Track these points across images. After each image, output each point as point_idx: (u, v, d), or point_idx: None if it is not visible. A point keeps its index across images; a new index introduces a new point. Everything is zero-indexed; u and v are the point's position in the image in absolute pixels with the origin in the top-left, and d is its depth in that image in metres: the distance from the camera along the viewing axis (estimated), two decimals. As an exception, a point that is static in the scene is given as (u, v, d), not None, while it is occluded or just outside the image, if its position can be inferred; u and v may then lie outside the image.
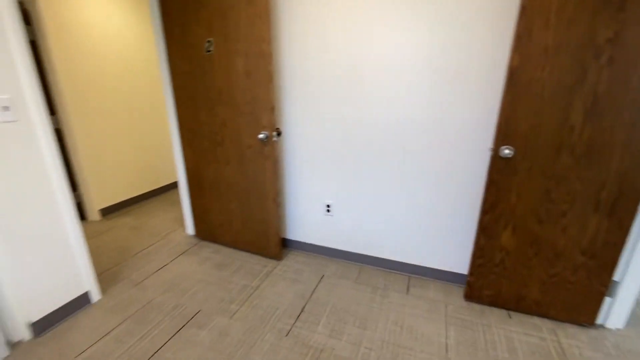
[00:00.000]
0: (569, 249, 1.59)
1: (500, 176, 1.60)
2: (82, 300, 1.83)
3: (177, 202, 3.42)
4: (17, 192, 1.47)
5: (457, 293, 1.97)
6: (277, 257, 2.31)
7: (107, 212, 3.10)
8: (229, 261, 2.30)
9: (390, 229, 2.10)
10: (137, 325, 1.70)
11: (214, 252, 2.42)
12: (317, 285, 2.03)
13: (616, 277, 1.62)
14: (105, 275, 2.14)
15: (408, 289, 2.00)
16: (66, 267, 1.72)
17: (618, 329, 1.68)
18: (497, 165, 1.59)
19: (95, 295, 1.89)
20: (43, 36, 2.46)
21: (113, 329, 1.68)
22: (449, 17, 1.61)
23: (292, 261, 2.31)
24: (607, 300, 1.66)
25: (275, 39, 2.00)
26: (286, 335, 1.63)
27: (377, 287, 2.03)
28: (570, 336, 1.63)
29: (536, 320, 1.75)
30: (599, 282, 1.60)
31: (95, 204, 2.98)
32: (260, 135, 1.98)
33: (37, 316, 1.61)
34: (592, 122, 1.39)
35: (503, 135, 1.53)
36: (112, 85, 2.99)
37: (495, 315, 1.78)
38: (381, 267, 2.22)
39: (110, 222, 2.95)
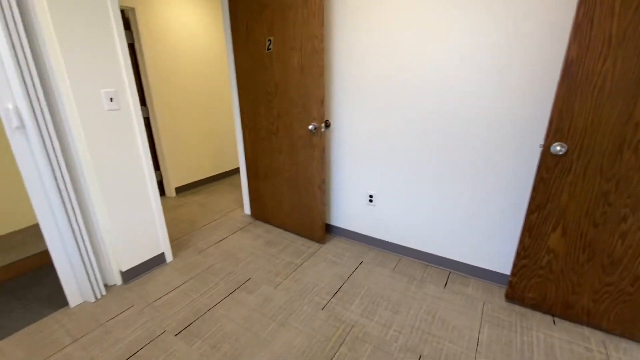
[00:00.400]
0: (628, 258, 1.46)
1: (550, 174, 1.53)
2: (159, 259, 2.21)
3: (238, 185, 3.80)
4: (117, 165, 1.86)
5: (498, 293, 1.92)
6: (321, 240, 2.48)
7: (180, 190, 3.59)
8: (277, 240, 2.54)
9: (431, 223, 2.11)
10: (199, 284, 2.02)
11: (265, 232, 2.68)
12: (355, 270, 2.15)
13: (689, 294, 1.44)
14: (177, 242, 2.54)
15: (446, 284, 2.01)
16: (149, 231, 2.11)
17: (689, 353, 1.50)
18: (548, 162, 1.52)
19: (169, 257, 2.27)
20: (138, 40, 2.95)
21: (181, 284, 2.02)
22: (496, 5, 1.56)
23: (334, 245, 2.46)
24: (676, 319, 1.49)
25: (328, 36, 2.13)
26: (322, 309, 1.79)
27: (414, 277, 2.07)
28: (622, 351, 1.50)
29: (585, 330, 1.64)
30: (666, 297, 1.44)
31: (172, 183, 3.48)
32: (310, 127, 2.15)
33: (126, 267, 2.02)
34: (662, 119, 1.26)
35: (555, 130, 1.46)
36: (187, 81, 3.44)
37: (537, 319, 1.71)
38: (420, 259, 2.24)
39: (183, 199, 3.42)
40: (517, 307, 1.80)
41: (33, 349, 1.54)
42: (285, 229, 2.69)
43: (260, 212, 2.82)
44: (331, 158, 2.42)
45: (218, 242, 2.53)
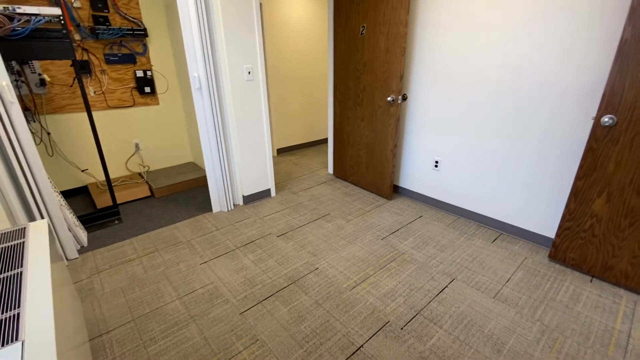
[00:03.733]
0: (670, 225, 1.59)
1: (599, 144, 1.71)
2: (266, 193, 3.03)
3: (325, 153, 4.49)
4: (249, 119, 2.67)
5: (542, 253, 2.14)
6: (388, 197, 2.96)
7: (280, 151, 4.46)
8: (353, 193, 3.12)
9: (491, 188, 2.40)
10: (293, 212, 2.75)
11: (343, 186, 3.29)
12: (414, 220, 2.60)
13: None
14: (277, 185, 3.35)
15: (494, 240, 2.31)
16: (262, 170, 2.91)
17: None
18: (597, 133, 1.70)
19: (273, 193, 3.08)
20: (264, 28, 3.77)
21: (280, 210, 2.78)
22: (572, -7, 1.75)
23: (399, 202, 2.92)
24: None
25: (411, 23, 2.52)
26: (381, 239, 2.32)
27: (466, 232, 2.41)
28: (655, 311, 1.65)
29: (621, 291, 1.80)
30: None
31: (275, 144, 4.36)
32: (389, 98, 2.61)
33: (247, 193, 2.87)
34: None
35: (607, 104, 1.64)
36: (294, 60, 4.18)
37: (575, 276, 1.92)
38: (476, 221, 2.55)
39: (281, 158, 4.28)
40: (558, 265, 2.02)
41: (195, 230, 2.48)
42: (360, 186, 3.25)
43: (341, 171, 3.43)
44: (405, 127, 2.85)
45: (307, 189, 3.24)
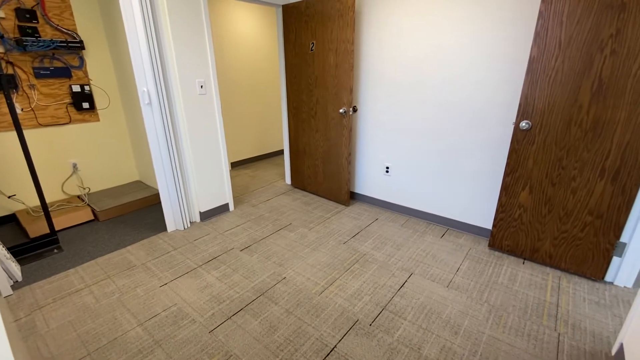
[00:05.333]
0: (577, 209, 1.92)
1: (520, 145, 2.02)
2: (224, 207, 2.97)
3: (280, 164, 4.52)
4: (202, 134, 2.62)
5: (483, 243, 2.42)
6: (346, 203, 3.10)
7: (234, 165, 4.39)
8: (312, 202, 3.20)
9: (436, 189, 2.65)
10: (254, 224, 2.73)
11: (302, 196, 3.36)
12: (371, 223, 2.75)
13: (625, 238, 1.87)
14: (235, 199, 3.29)
15: (443, 236, 2.54)
16: (219, 185, 2.86)
17: (626, 287, 1.92)
18: (518, 136, 2.01)
19: (231, 207, 3.02)
20: (214, 42, 3.73)
21: (241, 224, 2.75)
22: (491, 17, 2.07)
23: (356, 207, 3.07)
24: (617, 260, 1.92)
25: (358, 40, 2.73)
26: (343, 244, 2.42)
27: (418, 230, 2.63)
28: (573, 282, 1.97)
29: (547, 269, 2.11)
30: (606, 240, 1.89)
31: (229, 158, 4.28)
32: (341, 110, 2.77)
33: (204, 209, 2.79)
34: (597, 102, 1.72)
35: (523, 111, 1.95)
36: (245, 73, 4.20)
37: (510, 260, 2.21)
38: (426, 219, 2.79)
39: (236, 172, 4.21)
40: (496, 253, 2.30)
41: (150, 252, 2.34)
42: (318, 195, 3.35)
43: (299, 181, 3.50)
44: (357, 136, 3.03)
45: (266, 200, 3.24)
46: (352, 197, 3.28)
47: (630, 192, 1.75)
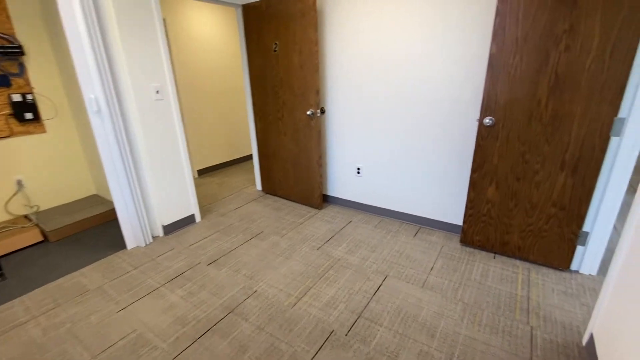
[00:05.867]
0: (542, 202, 1.97)
1: (485, 141, 2.04)
2: (190, 219, 2.81)
3: (250, 169, 4.39)
4: (161, 142, 2.45)
5: (455, 239, 2.44)
6: (319, 206, 3.03)
7: (201, 172, 4.20)
8: (284, 207, 3.11)
9: (407, 188, 2.64)
10: (223, 235, 2.60)
11: (274, 201, 3.25)
12: (344, 226, 2.70)
13: (587, 228, 1.93)
14: (202, 209, 3.13)
15: (416, 234, 2.53)
16: (183, 195, 2.70)
17: (591, 274, 1.99)
18: (482, 132, 2.03)
19: (198, 218, 2.86)
20: (171, 44, 3.54)
21: (209, 235, 2.60)
22: (457, 15, 2.08)
23: (329, 210, 3.01)
24: (581, 249, 1.98)
25: (322, 40, 2.67)
26: (317, 249, 2.35)
27: (391, 230, 2.60)
28: (542, 274, 2.01)
29: (517, 261, 2.14)
30: (570, 231, 1.94)
31: (195, 165, 4.09)
32: (308, 112, 2.70)
33: (167, 222, 2.62)
34: (554, 97, 1.76)
35: (486, 108, 1.97)
36: (209, 77, 4.03)
37: (482, 255, 2.23)
38: (398, 218, 2.77)
39: (203, 180, 4.03)
40: (468, 248, 2.31)
41: (106, 273, 2.15)
42: (290, 199, 3.26)
43: (270, 186, 3.39)
44: (326, 138, 2.97)
45: (236, 209, 3.11)
46: (325, 200, 3.22)
47: (590, 183, 1.80)
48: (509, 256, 2.20)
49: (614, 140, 1.73)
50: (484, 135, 2.03)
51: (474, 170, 2.13)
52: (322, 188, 3.13)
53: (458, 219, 2.48)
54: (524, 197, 2.02)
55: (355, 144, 2.80)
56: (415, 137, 2.46)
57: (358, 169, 2.86)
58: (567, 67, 1.70)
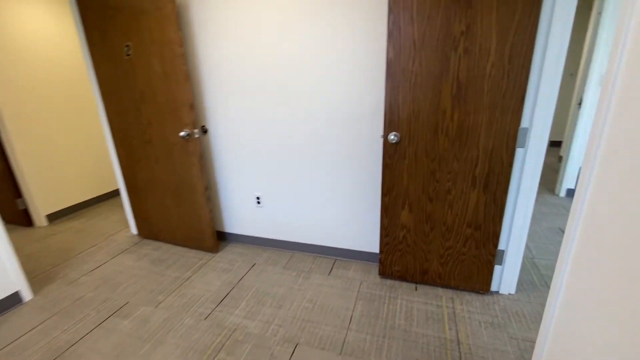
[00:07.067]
0: (457, 223, 1.76)
1: (392, 160, 1.75)
2: (13, 300, 1.89)
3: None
4: None
5: (374, 271, 2.12)
6: (213, 249, 2.41)
7: (55, 217, 3.13)
8: (166, 256, 2.39)
9: (316, 216, 2.23)
10: (63, 319, 1.79)
11: (154, 249, 2.51)
12: (246, 273, 2.15)
13: (502, 246, 1.79)
14: (41, 276, 2.20)
15: (331, 271, 2.14)
16: (-10, 269, 1.79)
17: (510, 294, 1.86)
18: (389, 150, 1.73)
19: (27, 295, 1.96)
20: (-29, 46, 2.48)
21: (39, 324, 1.76)
22: (340, 19, 1.74)
23: (228, 253, 2.42)
24: (498, 268, 1.84)
25: (193, 41, 2.09)
26: (205, 319, 1.75)
27: (303, 270, 2.16)
28: (465, 302, 1.80)
29: (439, 290, 1.91)
30: (487, 251, 1.77)
31: (42, 209, 3.01)
32: (182, 133, 2.08)
33: (-40, 316, 1.68)
34: (459, 107, 1.55)
35: (389, 122, 1.68)
36: (46, 91, 3.02)
37: (403, 288, 1.94)
38: (311, 252, 2.35)
39: (56, 227, 2.99)
40: (388, 281, 2.01)
41: None
42: (176, 244, 2.56)
43: (147, 229, 2.63)
44: (215, 164, 2.38)
45: (94, 269, 2.27)
46: (223, 238, 2.61)
47: (501, 199, 1.64)
48: (430, 285, 1.96)
49: (519, 152, 1.60)
50: (390, 154, 1.74)
51: (384, 193, 1.83)
52: (215, 225, 2.53)
53: (376, 247, 2.17)
54: (439, 220, 1.78)
55: (251, 169, 2.28)
56: (319, 157, 2.07)
57: (258, 198, 2.35)
58: (468, 73, 1.49)
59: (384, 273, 2.02)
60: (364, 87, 1.82)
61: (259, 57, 1.97)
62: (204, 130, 2.28)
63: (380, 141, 1.90)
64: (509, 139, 1.53)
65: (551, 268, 2.09)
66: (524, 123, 1.54)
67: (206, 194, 2.24)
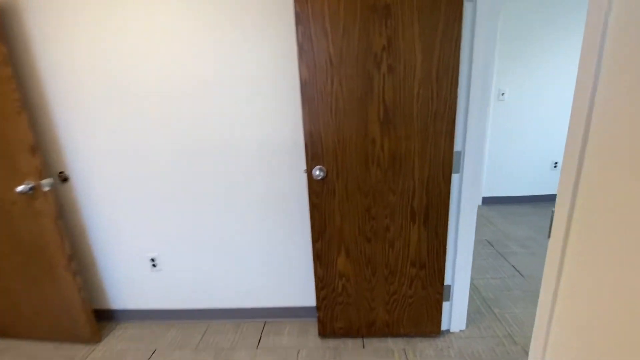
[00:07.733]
0: (400, 263, 1.52)
1: (320, 199, 1.43)
2: None
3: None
4: None
5: (313, 331, 1.75)
6: (93, 339, 1.74)
7: None
8: (14, 364, 1.64)
9: (235, 272, 1.78)
10: None
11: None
12: (141, 369, 1.56)
13: (448, 281, 1.61)
14: None
15: (259, 341, 1.70)
16: None
17: (462, 331, 1.69)
18: (315, 188, 1.42)
19: None
20: None
21: None
22: (241, 34, 1.39)
23: (116, 339, 1.78)
24: (447, 305, 1.65)
25: (32, 59, 1.49)
26: None
27: (222, 348, 1.67)
28: (419, 352, 1.55)
29: (389, 342, 1.64)
30: (434, 290, 1.56)
31: None
32: (20, 188, 1.44)
33: None
34: (389, 133, 1.33)
35: (312, 155, 1.37)
36: None
37: (349, 348, 1.61)
38: (233, 318, 1.87)
39: None
40: (330, 342, 1.66)
41: None
42: (35, 339, 1.80)
43: (-13, 324, 1.81)
44: (85, 222, 1.75)
45: None
46: (110, 317, 1.94)
47: (442, 231, 1.46)
48: (379, 337, 1.67)
49: (455, 178, 1.44)
50: (317, 192, 1.42)
51: (315, 239, 1.49)
52: (94, 303, 1.86)
53: (312, 299, 1.81)
54: (380, 262, 1.52)
55: (139, 223, 1.72)
56: (230, 199, 1.65)
57: (153, 259, 1.78)
58: (394, 94, 1.28)
59: (324, 332, 1.66)
60: (285, 115, 1.49)
61: (140, 72, 1.49)
62: (63, 179, 1.66)
63: (305, 177, 1.58)
64: (444, 165, 1.36)
65: (490, 288, 2.02)
66: (457, 146, 1.39)
67: (71, 267, 1.60)
